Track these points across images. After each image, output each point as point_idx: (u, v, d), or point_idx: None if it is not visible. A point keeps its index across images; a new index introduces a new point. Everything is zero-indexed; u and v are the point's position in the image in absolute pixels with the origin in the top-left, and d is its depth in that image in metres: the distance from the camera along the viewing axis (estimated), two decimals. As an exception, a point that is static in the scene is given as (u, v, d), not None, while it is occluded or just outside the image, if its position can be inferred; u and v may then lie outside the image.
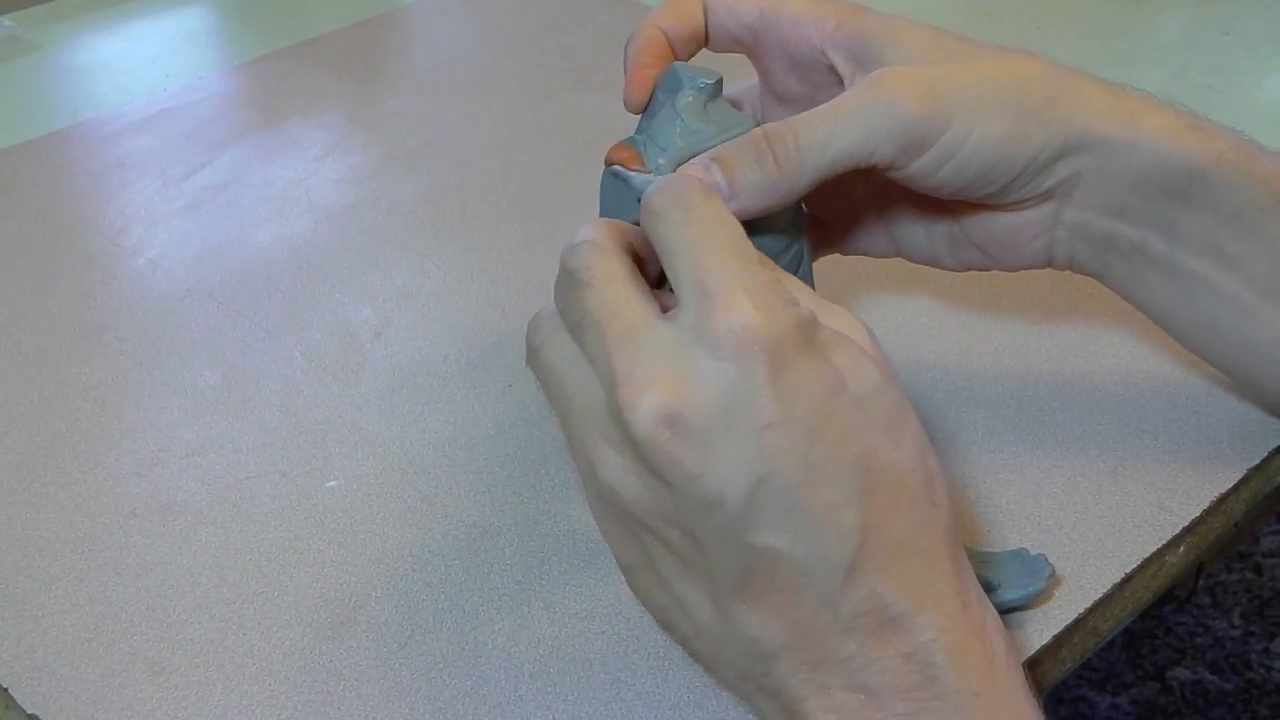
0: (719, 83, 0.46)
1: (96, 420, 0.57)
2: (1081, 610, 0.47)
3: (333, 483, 0.53)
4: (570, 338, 0.39)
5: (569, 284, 0.39)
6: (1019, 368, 0.58)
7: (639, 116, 0.48)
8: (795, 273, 0.46)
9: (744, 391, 0.35)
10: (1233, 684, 1.38)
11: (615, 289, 0.38)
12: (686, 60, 0.49)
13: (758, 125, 0.45)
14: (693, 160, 0.44)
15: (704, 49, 0.50)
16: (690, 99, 0.45)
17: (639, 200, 0.42)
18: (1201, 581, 1.48)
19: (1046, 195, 0.48)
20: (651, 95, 0.47)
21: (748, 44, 0.50)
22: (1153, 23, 0.87)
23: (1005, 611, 0.46)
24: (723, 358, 0.35)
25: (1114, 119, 0.46)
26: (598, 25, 0.88)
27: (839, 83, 0.48)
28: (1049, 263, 0.51)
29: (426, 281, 0.65)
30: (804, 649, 0.37)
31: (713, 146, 0.44)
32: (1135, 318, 0.57)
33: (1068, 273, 0.53)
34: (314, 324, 0.62)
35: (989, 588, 0.45)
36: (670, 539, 0.37)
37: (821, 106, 0.44)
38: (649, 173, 0.44)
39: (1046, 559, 0.47)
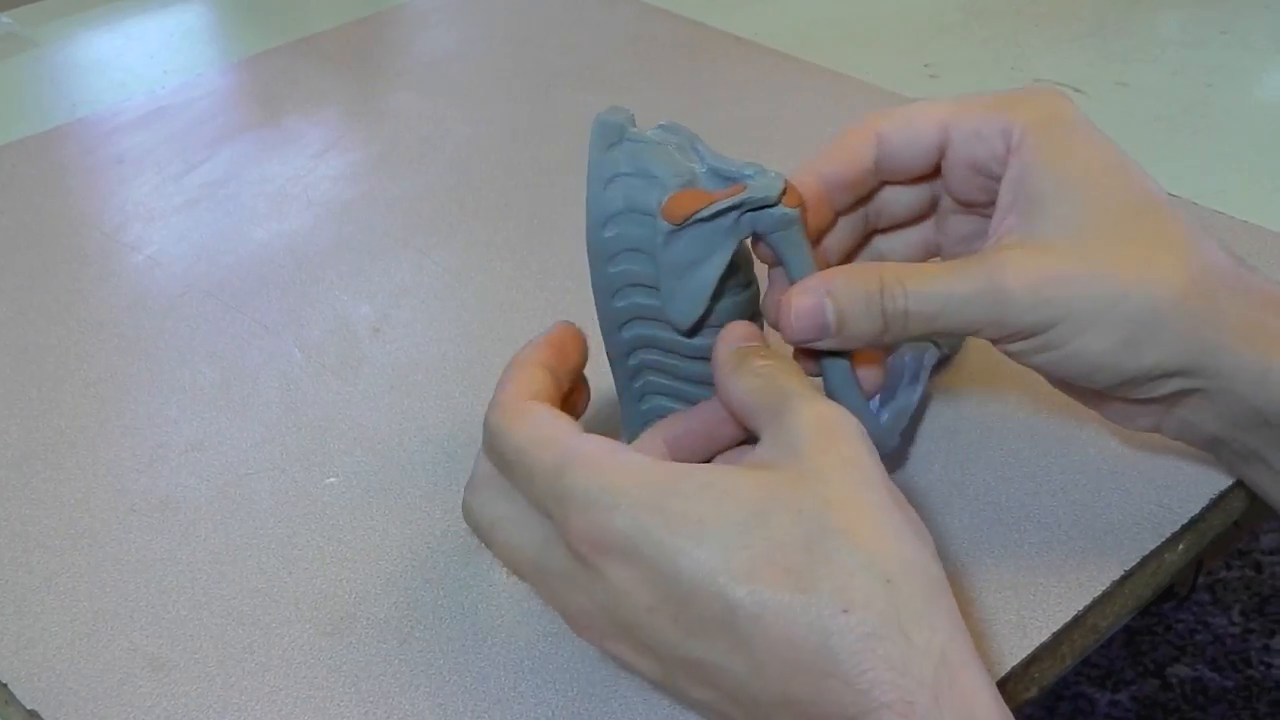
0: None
1: (95, 416, 0.57)
2: (1081, 607, 0.47)
3: (332, 479, 0.53)
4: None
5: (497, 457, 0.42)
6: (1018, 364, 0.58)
7: (590, 180, 0.46)
8: (750, 316, 0.46)
9: (614, 591, 0.38)
10: (1233, 681, 1.38)
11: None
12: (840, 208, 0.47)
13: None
14: (806, 287, 0.44)
15: (859, 185, 0.47)
16: (649, 133, 0.45)
17: (745, 217, 0.43)
18: (1201, 578, 1.48)
19: (1155, 400, 0.46)
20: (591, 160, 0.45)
21: (927, 168, 0.47)
22: (1151, 21, 0.87)
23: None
24: (581, 570, 0.38)
25: (1245, 348, 0.43)
26: (596, 23, 0.88)
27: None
28: (1159, 432, 0.49)
29: (425, 278, 0.65)
30: None
31: (706, 147, 0.45)
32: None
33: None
34: (313, 320, 0.62)
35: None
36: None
37: (939, 275, 0.43)
38: (739, 188, 0.43)
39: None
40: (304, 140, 0.76)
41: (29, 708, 0.45)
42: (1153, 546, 0.50)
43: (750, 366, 0.42)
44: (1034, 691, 0.46)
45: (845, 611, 0.35)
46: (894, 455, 0.53)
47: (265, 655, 0.47)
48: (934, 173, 0.48)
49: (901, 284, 0.43)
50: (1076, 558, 0.49)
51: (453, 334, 0.61)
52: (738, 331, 0.44)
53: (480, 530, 0.43)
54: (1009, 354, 0.45)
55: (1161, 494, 0.51)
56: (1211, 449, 0.49)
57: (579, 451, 0.38)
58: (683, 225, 0.44)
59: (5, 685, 0.46)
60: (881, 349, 0.48)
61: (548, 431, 0.40)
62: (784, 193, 0.44)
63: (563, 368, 0.44)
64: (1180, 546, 0.50)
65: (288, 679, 0.46)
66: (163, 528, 0.52)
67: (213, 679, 0.46)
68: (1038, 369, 0.45)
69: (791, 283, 0.45)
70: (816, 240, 0.47)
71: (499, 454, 0.41)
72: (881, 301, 0.43)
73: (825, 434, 0.38)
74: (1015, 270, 0.42)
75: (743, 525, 0.36)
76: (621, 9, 0.89)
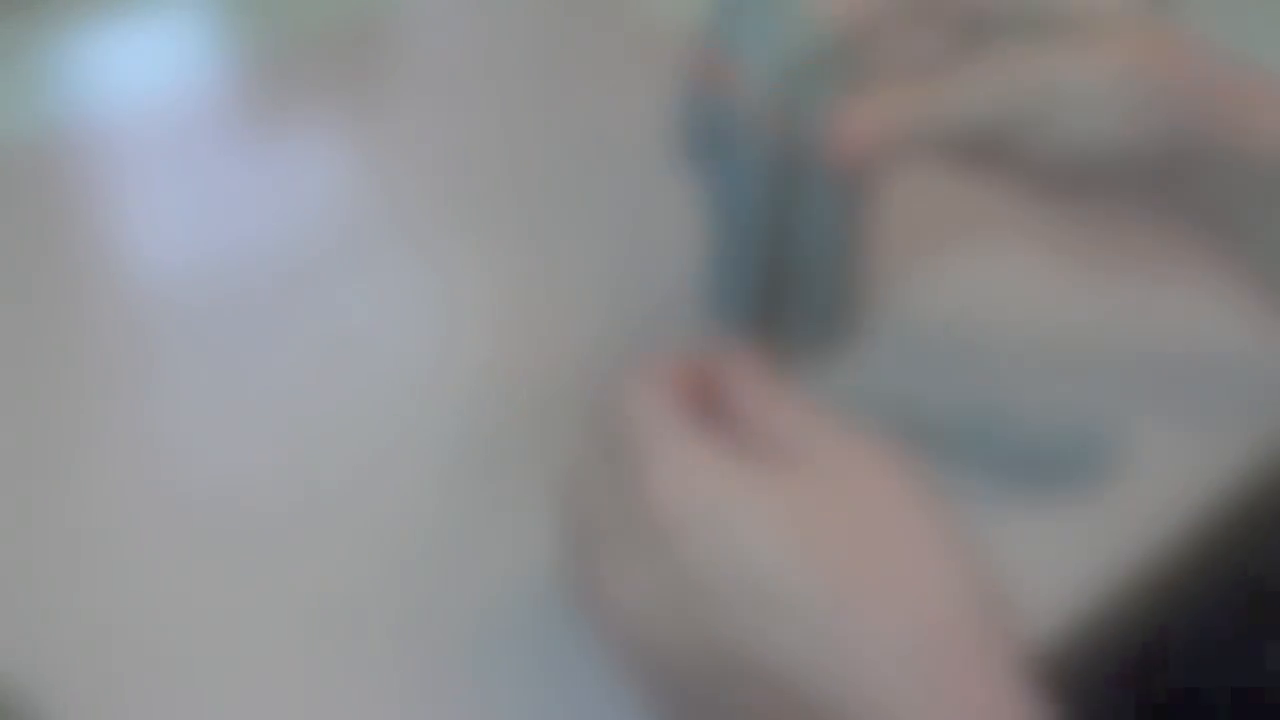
0: None
1: (93, 419, 0.57)
2: (1080, 610, 0.47)
3: (331, 480, 0.53)
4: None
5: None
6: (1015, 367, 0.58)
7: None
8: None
9: (688, 565, 0.37)
10: (1231, 684, 1.38)
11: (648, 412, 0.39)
12: None
13: (833, 27, 0.46)
14: (850, 115, 0.46)
15: None
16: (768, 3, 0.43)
17: (724, 114, 0.43)
18: (1201, 581, 1.48)
19: (1146, 186, 0.49)
20: None
21: None
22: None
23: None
24: (651, 537, 0.37)
25: (1217, 121, 0.47)
26: (596, 25, 0.88)
27: None
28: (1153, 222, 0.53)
29: (424, 279, 0.65)
30: None
31: (800, 57, 0.44)
32: (1134, 316, 0.57)
33: (1064, 266, 0.53)
34: (312, 324, 0.62)
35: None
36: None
37: (949, 87, 0.47)
38: (742, 89, 0.43)
39: (1102, 433, 0.51)
40: (304, 141, 0.76)
41: (28, 708, 0.45)
42: (1152, 548, 0.50)
43: (777, 397, 0.41)
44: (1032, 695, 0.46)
45: (935, 612, 0.35)
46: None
47: (264, 658, 0.47)
48: None
49: (921, 101, 0.47)
50: (1076, 560, 0.49)
51: (451, 335, 0.61)
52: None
53: (571, 476, 0.42)
54: (1019, 159, 0.48)
55: (1160, 496, 0.51)
56: (1209, 230, 0.51)
57: (678, 420, 0.39)
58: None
59: (4, 686, 0.46)
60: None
61: (664, 401, 0.39)
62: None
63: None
64: (1179, 549, 0.50)
65: (286, 680, 0.46)
66: (161, 530, 0.52)
67: (211, 679, 0.46)
68: (1046, 161, 0.48)
69: (727, 246, 0.48)
70: None
71: (610, 406, 0.40)
72: (912, 118, 0.47)
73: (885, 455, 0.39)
74: (1019, 66, 0.47)
75: (820, 521, 0.36)
76: (620, 11, 0.89)
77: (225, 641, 0.47)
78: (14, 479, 0.54)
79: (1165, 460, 0.53)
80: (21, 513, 0.53)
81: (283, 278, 0.65)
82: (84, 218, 0.70)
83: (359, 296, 0.64)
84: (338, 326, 0.62)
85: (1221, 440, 0.53)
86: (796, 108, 0.46)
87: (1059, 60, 0.47)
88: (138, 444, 0.56)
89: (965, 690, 0.35)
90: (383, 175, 0.73)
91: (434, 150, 0.75)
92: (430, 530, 0.51)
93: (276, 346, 0.61)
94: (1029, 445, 0.51)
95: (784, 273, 0.51)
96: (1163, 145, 0.48)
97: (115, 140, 0.77)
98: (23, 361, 0.60)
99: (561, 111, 0.78)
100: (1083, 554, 0.49)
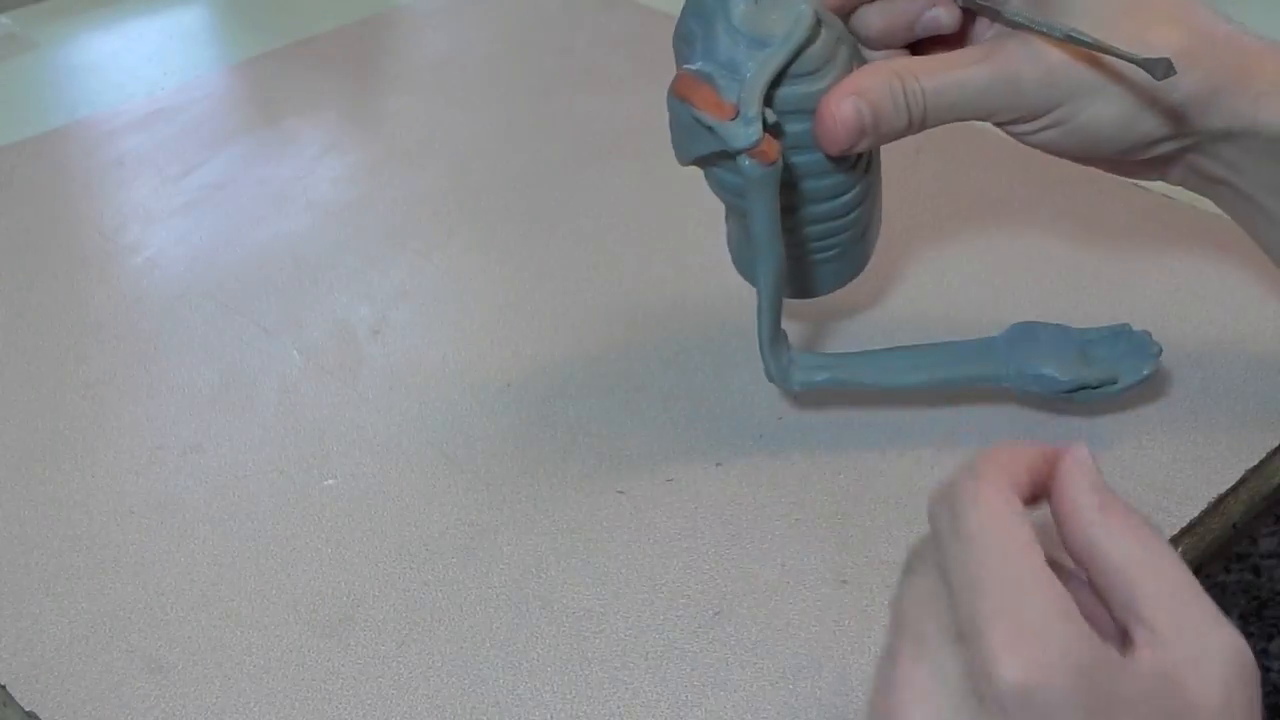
0: None
1: (94, 418, 0.57)
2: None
3: (330, 481, 0.53)
4: (936, 573, 0.35)
5: (945, 512, 0.36)
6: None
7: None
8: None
9: None
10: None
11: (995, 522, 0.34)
12: None
13: (813, 11, 0.45)
14: (839, 94, 0.46)
15: None
16: (742, 7, 0.45)
17: (716, 139, 0.44)
18: (1199, 582, 1.47)
19: (1157, 159, 0.50)
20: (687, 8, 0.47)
21: None
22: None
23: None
24: (978, 701, 0.32)
25: (1234, 106, 0.47)
26: (595, 25, 0.88)
27: None
28: (1163, 180, 0.53)
29: (424, 280, 0.65)
30: None
31: (783, 60, 0.45)
32: (1133, 318, 0.57)
33: (1059, 276, 0.53)
34: (311, 322, 0.62)
35: (1106, 382, 0.51)
36: None
37: (951, 68, 0.47)
38: (730, 113, 0.44)
39: (1150, 335, 0.52)
40: (303, 142, 0.76)
41: (27, 709, 0.45)
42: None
43: (1129, 521, 0.37)
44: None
45: None
46: (895, 458, 0.53)
47: (263, 657, 0.47)
48: None
49: (915, 77, 0.47)
50: (1075, 561, 0.49)
51: (451, 336, 0.61)
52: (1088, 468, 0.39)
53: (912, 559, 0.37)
54: (1016, 134, 0.49)
55: (1159, 497, 0.51)
56: (1213, 193, 0.52)
57: (1043, 570, 0.34)
58: (679, 101, 0.46)
59: (4, 687, 0.46)
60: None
61: (1019, 529, 0.34)
62: (759, 144, 0.44)
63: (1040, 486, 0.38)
64: (1179, 550, 0.50)
65: (285, 680, 0.46)
66: (161, 529, 0.52)
67: (211, 680, 0.46)
68: (1044, 146, 0.49)
69: (748, 234, 0.48)
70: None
71: (949, 517, 0.35)
72: (903, 90, 0.46)
73: (1243, 677, 0.34)
74: (1024, 58, 0.46)
75: None
76: (619, 11, 0.89)
77: (224, 641, 0.47)
78: (14, 479, 0.54)
79: (1165, 451, 0.53)
80: (22, 512, 0.53)
81: (283, 276, 0.65)
82: (85, 217, 0.70)
83: (359, 296, 0.64)
84: (338, 325, 0.62)
85: (1225, 429, 0.54)
86: (787, 96, 0.46)
87: (1061, 52, 0.46)
88: (136, 444, 0.56)
89: None
90: (382, 174, 0.73)
91: (434, 150, 0.75)
92: (429, 530, 0.51)
93: (276, 346, 0.61)
94: (1081, 342, 0.53)
95: (797, 252, 0.52)
96: (1172, 128, 0.47)
97: (115, 140, 0.77)
98: (22, 361, 0.60)
99: (562, 107, 0.78)
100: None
